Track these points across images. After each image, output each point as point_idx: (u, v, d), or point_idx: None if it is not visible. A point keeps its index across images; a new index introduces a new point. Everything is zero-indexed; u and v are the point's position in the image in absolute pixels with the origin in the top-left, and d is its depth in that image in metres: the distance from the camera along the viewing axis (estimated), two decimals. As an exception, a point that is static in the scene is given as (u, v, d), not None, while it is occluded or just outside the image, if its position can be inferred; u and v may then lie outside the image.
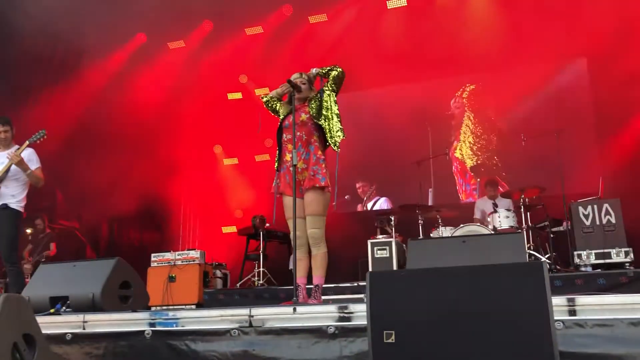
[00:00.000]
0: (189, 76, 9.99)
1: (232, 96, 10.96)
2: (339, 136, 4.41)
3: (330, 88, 4.48)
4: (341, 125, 4.43)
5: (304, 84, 4.53)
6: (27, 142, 5.22)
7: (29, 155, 5.22)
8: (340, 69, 4.47)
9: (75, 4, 7.89)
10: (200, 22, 9.88)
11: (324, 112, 4.40)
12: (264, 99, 4.70)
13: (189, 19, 9.53)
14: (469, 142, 9.63)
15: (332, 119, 4.41)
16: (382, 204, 9.69)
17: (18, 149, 5.18)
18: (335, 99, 4.50)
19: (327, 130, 4.37)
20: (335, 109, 4.45)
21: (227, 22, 9.70)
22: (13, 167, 5.11)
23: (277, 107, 4.65)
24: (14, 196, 5.17)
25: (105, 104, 9.10)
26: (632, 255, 5.93)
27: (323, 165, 4.36)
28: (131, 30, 9.48)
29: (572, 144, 8.03)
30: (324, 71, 4.49)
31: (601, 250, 6.06)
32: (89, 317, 3.60)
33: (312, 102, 4.46)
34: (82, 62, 8.93)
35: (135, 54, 9.78)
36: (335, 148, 4.40)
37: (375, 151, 9.64)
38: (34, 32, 7.81)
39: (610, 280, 5.65)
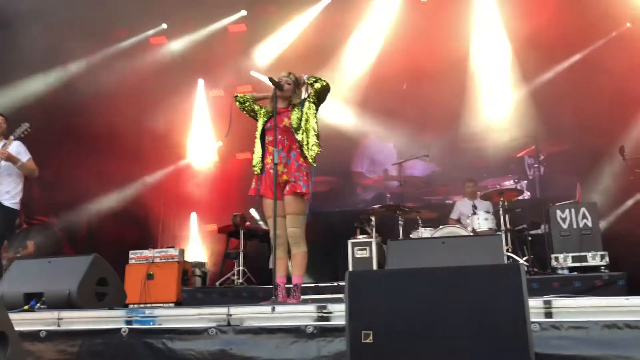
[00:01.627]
0: (169, 72, 9.91)
1: (213, 93, 10.90)
2: (314, 150, 4.36)
3: (312, 100, 4.43)
4: (317, 140, 4.37)
5: (289, 83, 4.49)
6: (11, 137, 5.13)
7: (17, 147, 5.15)
8: (326, 82, 4.41)
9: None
10: (183, 18, 9.81)
11: (302, 125, 4.36)
12: (239, 98, 4.61)
13: (172, 13, 9.45)
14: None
15: (309, 132, 4.36)
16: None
17: (4, 144, 5.09)
18: (315, 112, 4.44)
19: (304, 143, 4.34)
20: (313, 122, 4.39)
21: (209, 18, 9.66)
22: (3, 163, 5.03)
23: (256, 109, 4.60)
24: (9, 192, 5.09)
25: (84, 98, 8.98)
26: (607, 258, 6.02)
27: (305, 173, 4.35)
28: (112, 24, 9.37)
29: (550, 147, 8.14)
30: (310, 81, 4.43)
31: (577, 254, 6.13)
32: (64, 314, 3.55)
33: (295, 109, 4.41)
34: (61, 55, 8.78)
35: (115, 48, 9.67)
36: (311, 161, 4.35)
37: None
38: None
39: (586, 283, 5.73)
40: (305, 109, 4.39)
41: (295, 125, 4.33)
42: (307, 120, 4.37)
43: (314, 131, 4.38)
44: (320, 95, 4.46)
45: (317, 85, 4.39)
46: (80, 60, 9.27)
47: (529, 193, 8.78)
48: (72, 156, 9.28)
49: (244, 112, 4.65)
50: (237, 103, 4.63)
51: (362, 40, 9.63)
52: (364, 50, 9.62)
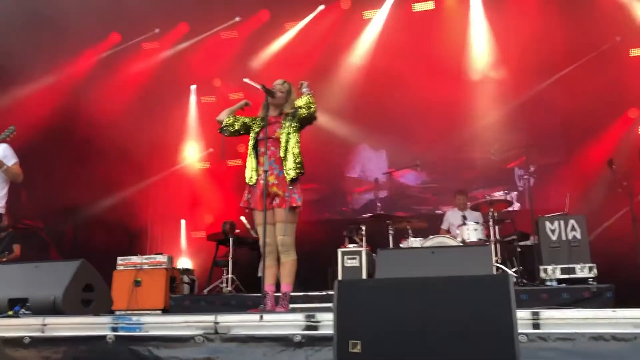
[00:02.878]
0: (161, 77, 9.89)
1: (205, 99, 10.89)
2: (290, 174, 4.26)
3: (295, 125, 4.36)
4: (298, 165, 4.28)
5: (281, 92, 4.48)
6: None
7: (3, 150, 5.07)
8: (312, 112, 4.33)
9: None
10: (176, 24, 9.80)
11: (286, 146, 4.32)
12: (225, 126, 4.52)
13: (166, 19, 9.44)
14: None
15: (289, 156, 4.29)
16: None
17: None
18: (297, 138, 4.36)
19: (285, 162, 4.30)
20: (294, 148, 4.31)
21: (203, 25, 9.66)
22: None
23: (247, 121, 4.55)
24: None
25: (74, 103, 8.96)
26: (595, 270, 6.04)
27: (298, 185, 4.33)
28: (105, 29, 9.35)
29: (540, 159, 8.19)
30: (300, 103, 4.37)
31: (566, 265, 6.15)
32: (49, 320, 3.50)
33: (285, 122, 4.37)
34: (53, 61, 8.73)
35: (107, 54, 9.64)
36: (289, 179, 4.28)
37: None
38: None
39: (574, 295, 5.75)
40: (288, 133, 4.33)
41: (283, 144, 4.31)
42: (287, 143, 4.32)
43: (294, 156, 4.31)
44: (304, 123, 4.41)
45: (302, 112, 4.33)
46: (72, 65, 9.22)
47: (519, 204, 8.82)
48: (60, 161, 9.21)
49: (238, 134, 4.56)
50: (226, 132, 4.56)
51: (355, 49, 9.66)
52: (357, 58, 9.65)
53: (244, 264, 8.56)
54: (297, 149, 4.35)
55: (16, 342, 3.36)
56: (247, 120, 4.56)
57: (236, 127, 4.55)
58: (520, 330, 2.45)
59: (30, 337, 3.40)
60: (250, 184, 4.42)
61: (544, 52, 8.46)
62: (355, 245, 7.34)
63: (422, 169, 8.45)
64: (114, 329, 3.37)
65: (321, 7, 9.49)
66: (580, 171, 8.33)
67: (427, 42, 8.91)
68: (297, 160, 4.31)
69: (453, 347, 2.25)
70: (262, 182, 4.23)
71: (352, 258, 6.95)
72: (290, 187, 4.27)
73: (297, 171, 4.29)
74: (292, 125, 4.36)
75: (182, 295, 7.48)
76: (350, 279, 6.10)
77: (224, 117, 4.57)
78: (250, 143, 4.49)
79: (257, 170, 4.39)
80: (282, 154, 4.29)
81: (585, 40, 8.55)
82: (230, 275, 7.86)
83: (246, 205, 4.47)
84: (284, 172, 4.29)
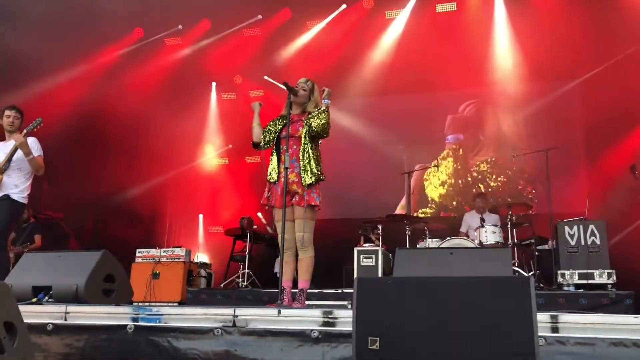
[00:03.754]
0: (183, 74, 9.98)
1: (225, 96, 10.96)
2: (310, 178, 4.24)
3: (309, 133, 4.32)
4: (316, 172, 4.26)
5: (304, 90, 4.49)
6: (25, 131, 5.18)
7: (31, 143, 5.19)
8: (324, 124, 4.27)
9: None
10: (199, 21, 9.87)
11: (305, 148, 4.30)
12: (262, 142, 4.49)
13: (188, 16, 9.52)
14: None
15: (308, 161, 4.27)
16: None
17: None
18: (312, 145, 4.32)
19: (304, 164, 4.27)
20: (311, 153, 4.28)
21: (225, 22, 9.72)
22: (16, 156, 5.08)
23: (270, 138, 4.47)
24: (17, 186, 5.12)
25: (98, 96, 9.05)
26: (614, 277, 5.98)
27: (317, 185, 4.34)
28: (129, 25, 9.45)
29: (560, 163, 8.12)
30: (316, 122, 4.29)
31: (584, 271, 6.10)
32: (71, 308, 3.56)
33: (307, 122, 4.35)
34: (77, 56, 8.86)
35: (130, 49, 9.75)
36: (306, 184, 4.25)
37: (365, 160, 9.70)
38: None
39: (592, 300, 5.70)
40: (306, 138, 4.32)
41: (303, 144, 4.31)
42: (305, 145, 4.30)
43: (314, 161, 4.29)
44: (316, 135, 4.35)
45: (315, 123, 4.29)
46: (95, 59, 9.34)
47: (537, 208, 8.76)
48: (82, 153, 9.34)
49: (274, 142, 4.49)
50: (263, 148, 4.53)
51: (376, 49, 9.66)
52: (377, 58, 9.64)
53: (261, 259, 8.62)
54: (313, 157, 4.31)
55: (39, 328, 3.42)
56: (273, 127, 4.55)
57: (268, 139, 4.52)
58: (538, 333, 2.44)
59: (53, 324, 3.46)
60: (272, 181, 4.44)
61: (567, 55, 8.40)
62: (371, 244, 7.35)
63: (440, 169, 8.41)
64: (135, 319, 3.42)
65: (343, 7, 9.49)
66: (601, 176, 8.24)
67: (449, 43, 8.88)
68: (314, 170, 4.27)
69: (472, 348, 2.25)
70: (282, 180, 4.25)
71: (368, 257, 6.96)
72: (308, 188, 4.28)
73: (315, 178, 4.29)
74: (308, 135, 4.35)
75: (199, 288, 7.56)
76: (370, 277, 6.11)
77: (258, 138, 4.54)
78: (271, 134, 4.51)
79: (278, 168, 4.41)
80: (301, 155, 4.30)
81: (609, 44, 8.45)
82: (246, 271, 7.91)
83: (266, 203, 4.48)
84: (302, 175, 4.28)
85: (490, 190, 9.09)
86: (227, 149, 10.85)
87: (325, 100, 4.36)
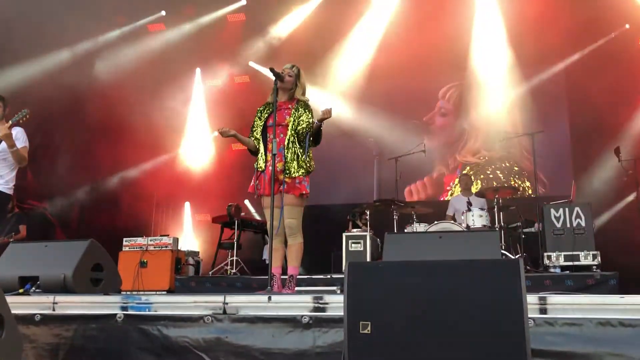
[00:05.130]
0: (167, 60, 9.87)
1: (210, 83, 10.87)
2: (297, 171, 4.23)
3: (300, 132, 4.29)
4: (303, 166, 4.24)
5: (290, 75, 4.44)
6: (10, 122, 5.09)
7: (17, 133, 5.10)
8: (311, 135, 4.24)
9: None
10: (182, 7, 9.76)
11: (290, 140, 4.28)
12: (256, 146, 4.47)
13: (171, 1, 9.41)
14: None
15: (293, 155, 4.25)
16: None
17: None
18: (299, 143, 4.28)
19: (290, 160, 4.25)
20: (296, 149, 4.25)
21: (208, 7, 9.61)
22: (1, 146, 4.99)
23: (258, 123, 4.45)
24: (2, 177, 5.04)
25: (80, 84, 8.93)
26: (599, 258, 6.06)
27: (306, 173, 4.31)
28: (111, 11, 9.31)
29: (546, 147, 8.19)
30: (311, 123, 4.25)
31: (570, 253, 6.17)
32: (60, 298, 3.53)
33: (297, 110, 4.33)
34: (57, 41, 8.71)
35: (112, 34, 9.61)
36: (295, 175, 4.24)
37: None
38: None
39: (578, 282, 5.77)
40: (292, 130, 4.29)
41: (289, 135, 4.27)
42: (291, 138, 4.27)
43: (299, 158, 4.26)
44: (301, 137, 4.30)
45: (301, 130, 4.25)
46: (77, 46, 9.20)
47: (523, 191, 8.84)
48: (65, 142, 9.23)
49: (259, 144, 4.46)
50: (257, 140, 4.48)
51: (362, 33, 9.61)
52: (364, 42, 9.61)
53: (249, 246, 8.61)
54: (300, 152, 4.28)
55: (27, 319, 3.39)
56: (260, 121, 4.48)
57: (259, 132, 4.47)
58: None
59: (41, 314, 3.42)
60: (260, 170, 4.41)
61: (553, 37, 8.41)
62: (359, 229, 7.37)
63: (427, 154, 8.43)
64: (124, 308, 3.40)
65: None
66: (586, 159, 8.32)
67: (434, 25, 8.86)
68: (302, 163, 4.26)
69: (463, 330, 2.27)
70: (270, 168, 4.21)
71: (356, 242, 6.98)
72: (296, 176, 4.26)
73: (304, 170, 4.28)
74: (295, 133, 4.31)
75: (187, 276, 7.54)
76: (361, 261, 6.14)
77: (253, 145, 4.49)
78: (259, 129, 4.47)
79: (265, 156, 4.37)
80: (287, 144, 4.26)
81: (594, 27, 8.51)
82: (235, 258, 7.90)
83: (253, 191, 4.45)
84: (289, 166, 4.26)
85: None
86: (213, 136, 10.77)
87: (320, 119, 4.23)
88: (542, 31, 8.42)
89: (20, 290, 3.84)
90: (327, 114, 4.15)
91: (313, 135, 4.30)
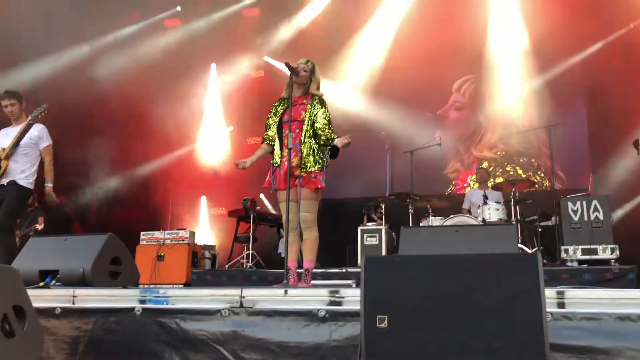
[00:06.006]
0: (183, 55, 9.91)
1: (226, 77, 10.88)
2: (313, 167, 4.25)
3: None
4: (319, 163, 4.26)
5: (305, 70, 4.42)
6: (29, 118, 5.15)
7: (39, 131, 5.15)
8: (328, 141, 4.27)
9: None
10: (197, 1, 9.79)
11: (306, 135, 4.28)
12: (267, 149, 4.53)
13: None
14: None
15: (309, 150, 4.26)
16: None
17: (21, 128, 5.10)
18: (316, 141, 4.29)
19: (306, 154, 4.26)
20: (312, 143, 4.27)
21: (224, 2, 9.62)
22: (23, 141, 5.05)
23: (271, 122, 4.48)
24: (24, 171, 5.09)
25: (98, 79, 9.00)
26: (617, 252, 5.99)
27: (321, 167, 4.32)
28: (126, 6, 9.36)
29: (564, 139, 8.11)
30: (329, 142, 4.29)
31: (588, 246, 6.11)
32: (79, 291, 3.57)
33: (312, 105, 4.33)
34: (74, 36, 8.78)
35: (129, 30, 9.67)
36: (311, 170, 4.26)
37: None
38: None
39: (595, 275, 5.72)
40: (308, 125, 4.30)
41: (305, 130, 4.28)
42: (307, 133, 4.28)
43: (314, 153, 4.28)
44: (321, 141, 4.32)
45: (322, 135, 4.27)
46: (95, 42, 9.27)
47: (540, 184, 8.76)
48: (84, 137, 9.31)
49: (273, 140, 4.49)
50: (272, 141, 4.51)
51: (378, 27, 9.56)
52: (379, 36, 9.56)
53: (264, 240, 8.64)
54: (316, 147, 4.30)
55: (48, 312, 3.44)
56: (275, 117, 4.50)
57: (274, 131, 4.49)
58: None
59: (61, 307, 3.47)
60: (275, 165, 4.42)
61: (571, 30, 8.30)
62: (374, 223, 7.36)
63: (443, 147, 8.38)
64: (142, 302, 3.43)
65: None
66: (604, 151, 8.22)
67: (450, 17, 8.79)
68: (318, 159, 4.28)
69: (479, 324, 2.27)
70: (286, 163, 4.22)
71: (371, 236, 6.98)
72: (312, 171, 4.27)
73: (320, 166, 4.28)
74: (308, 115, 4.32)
75: (203, 269, 7.60)
76: (378, 255, 6.14)
77: (269, 151, 4.53)
78: (275, 125, 4.48)
79: (281, 152, 4.38)
80: (303, 139, 4.27)
81: (611, 19, 8.38)
82: (250, 251, 7.94)
83: (268, 186, 4.47)
84: (305, 162, 4.26)
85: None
86: (228, 130, 10.81)
87: (338, 143, 4.25)
88: (560, 23, 8.31)
89: (41, 284, 3.90)
90: (347, 146, 4.22)
91: (330, 152, 4.31)
